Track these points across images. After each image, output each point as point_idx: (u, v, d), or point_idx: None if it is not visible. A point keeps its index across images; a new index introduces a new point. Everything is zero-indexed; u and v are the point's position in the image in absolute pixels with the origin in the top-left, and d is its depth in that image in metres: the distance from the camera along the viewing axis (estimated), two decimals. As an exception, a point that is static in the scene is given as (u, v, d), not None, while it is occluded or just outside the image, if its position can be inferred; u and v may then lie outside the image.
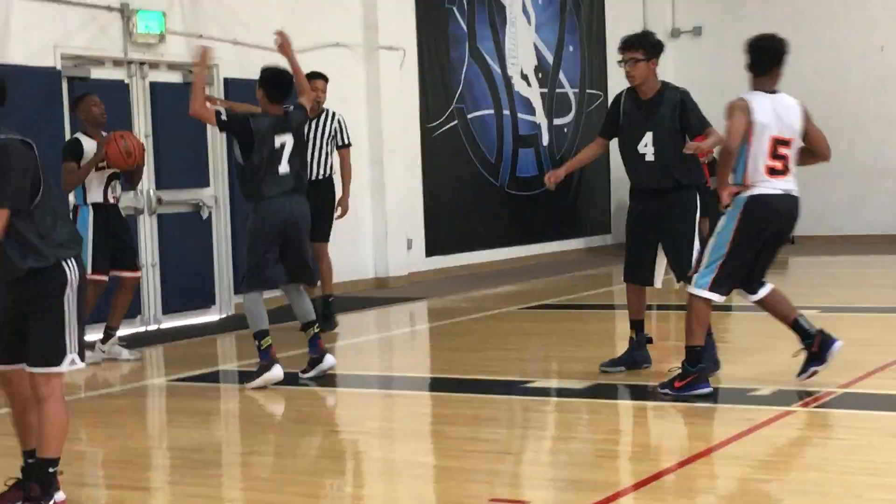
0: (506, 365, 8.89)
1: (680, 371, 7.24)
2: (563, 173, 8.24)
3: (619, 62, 7.89)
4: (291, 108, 8.40)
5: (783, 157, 7.04)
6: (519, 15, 16.67)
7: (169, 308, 11.40)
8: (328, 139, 10.55)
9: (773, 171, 7.00)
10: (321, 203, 10.41)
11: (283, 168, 8.16)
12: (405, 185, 14.51)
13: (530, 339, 10.17)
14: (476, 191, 15.80)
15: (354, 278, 13.56)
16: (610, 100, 18.08)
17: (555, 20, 17.44)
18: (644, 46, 7.77)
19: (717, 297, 7.11)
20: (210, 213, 11.88)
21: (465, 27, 15.61)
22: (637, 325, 8.08)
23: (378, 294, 13.22)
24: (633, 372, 7.98)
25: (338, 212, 10.71)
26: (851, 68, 17.68)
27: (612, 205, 18.45)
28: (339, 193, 10.75)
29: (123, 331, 9.83)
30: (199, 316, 11.68)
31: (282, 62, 8.60)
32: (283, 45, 8.58)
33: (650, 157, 7.72)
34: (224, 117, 8.11)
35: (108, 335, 9.46)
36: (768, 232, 7.09)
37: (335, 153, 10.65)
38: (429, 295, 13.27)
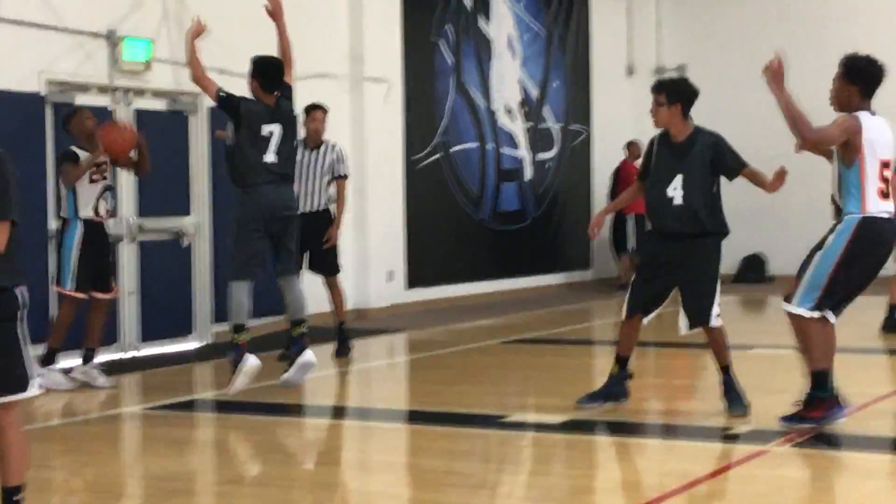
0: (483, 398, 8.88)
1: (806, 399, 7.12)
2: (603, 218, 8.25)
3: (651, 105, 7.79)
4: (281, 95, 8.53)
5: (886, 180, 7.04)
6: (505, 50, 16.76)
7: (147, 335, 11.37)
8: (327, 170, 10.62)
9: (882, 194, 7.01)
10: (322, 235, 10.47)
11: (270, 157, 8.26)
12: (387, 217, 14.54)
13: (508, 373, 10.18)
14: (458, 224, 15.83)
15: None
16: (593, 136, 18.43)
17: (540, 56, 17.53)
18: (667, 91, 7.70)
19: (820, 315, 7.04)
20: (191, 242, 11.87)
21: (450, 61, 15.68)
22: (623, 361, 7.98)
23: (358, 325, 13.19)
24: (610, 407, 7.98)
25: (325, 240, 10.61)
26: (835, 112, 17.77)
27: (592, 240, 18.44)
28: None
29: (101, 357, 9.79)
30: (178, 344, 11.64)
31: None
32: (275, 10, 8.73)
33: (678, 201, 7.61)
34: (223, 94, 8.27)
35: (89, 357, 9.41)
36: (875, 255, 7.07)
37: (333, 184, 10.71)
38: (409, 327, 13.27)
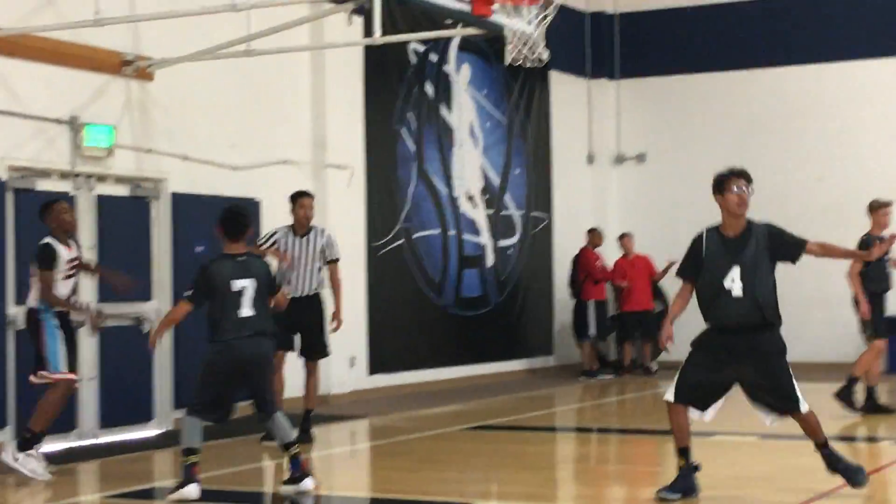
0: (445, 486, 8.83)
1: None
2: (671, 329, 7.72)
3: (735, 190, 7.46)
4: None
5: None
6: (466, 137, 16.90)
7: (106, 422, 11.24)
8: (318, 255, 10.82)
9: None
10: (313, 319, 10.81)
11: (245, 311, 8.15)
12: (349, 303, 14.42)
13: (470, 460, 10.13)
14: (420, 310, 15.83)
15: (296, 394, 13.47)
16: (554, 222, 18.55)
17: (502, 143, 17.69)
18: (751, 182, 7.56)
19: None
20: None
21: (413, 148, 15.79)
22: (684, 451, 7.63)
23: (319, 411, 13.10)
24: (574, 495, 7.94)
25: (333, 325, 10.97)
26: (790, 197, 17.96)
27: (554, 326, 18.52)
28: (329, 307, 11.04)
29: (59, 444, 9.65)
30: (138, 431, 11.52)
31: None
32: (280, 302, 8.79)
33: (738, 293, 7.39)
34: (190, 293, 8.24)
35: (37, 441, 9.13)
36: None
37: (324, 269, 10.88)
38: (371, 413, 13.20)
